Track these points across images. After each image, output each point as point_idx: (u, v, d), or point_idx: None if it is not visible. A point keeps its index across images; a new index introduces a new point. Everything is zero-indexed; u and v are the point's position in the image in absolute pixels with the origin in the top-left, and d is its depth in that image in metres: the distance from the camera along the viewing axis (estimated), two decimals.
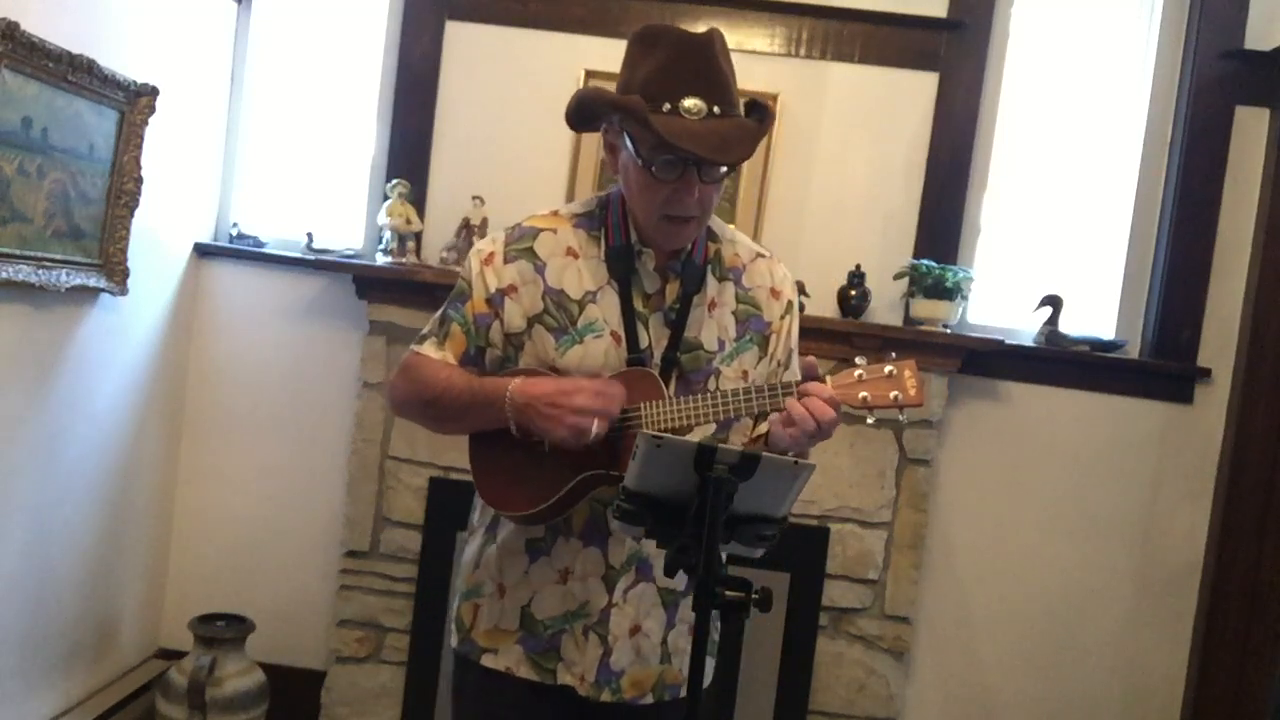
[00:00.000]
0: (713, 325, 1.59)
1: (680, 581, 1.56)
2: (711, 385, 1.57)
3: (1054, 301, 3.03)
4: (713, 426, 1.58)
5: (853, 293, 2.97)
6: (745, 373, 1.60)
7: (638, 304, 1.57)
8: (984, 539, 3.12)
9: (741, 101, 1.50)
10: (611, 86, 1.55)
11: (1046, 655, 3.13)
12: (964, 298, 2.99)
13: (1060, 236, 3.15)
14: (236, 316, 3.18)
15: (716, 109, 1.44)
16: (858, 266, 2.99)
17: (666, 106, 1.43)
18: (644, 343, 1.55)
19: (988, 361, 3.01)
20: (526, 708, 1.61)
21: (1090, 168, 3.14)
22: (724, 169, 1.49)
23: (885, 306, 3.06)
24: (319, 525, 3.17)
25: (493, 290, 1.57)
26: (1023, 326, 3.11)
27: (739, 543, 1.34)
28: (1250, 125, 3.01)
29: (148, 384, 2.96)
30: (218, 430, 3.20)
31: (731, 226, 1.73)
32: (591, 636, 1.58)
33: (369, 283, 3.00)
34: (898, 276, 3.00)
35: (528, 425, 1.48)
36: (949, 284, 2.91)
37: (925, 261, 2.94)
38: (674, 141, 1.40)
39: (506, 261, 1.58)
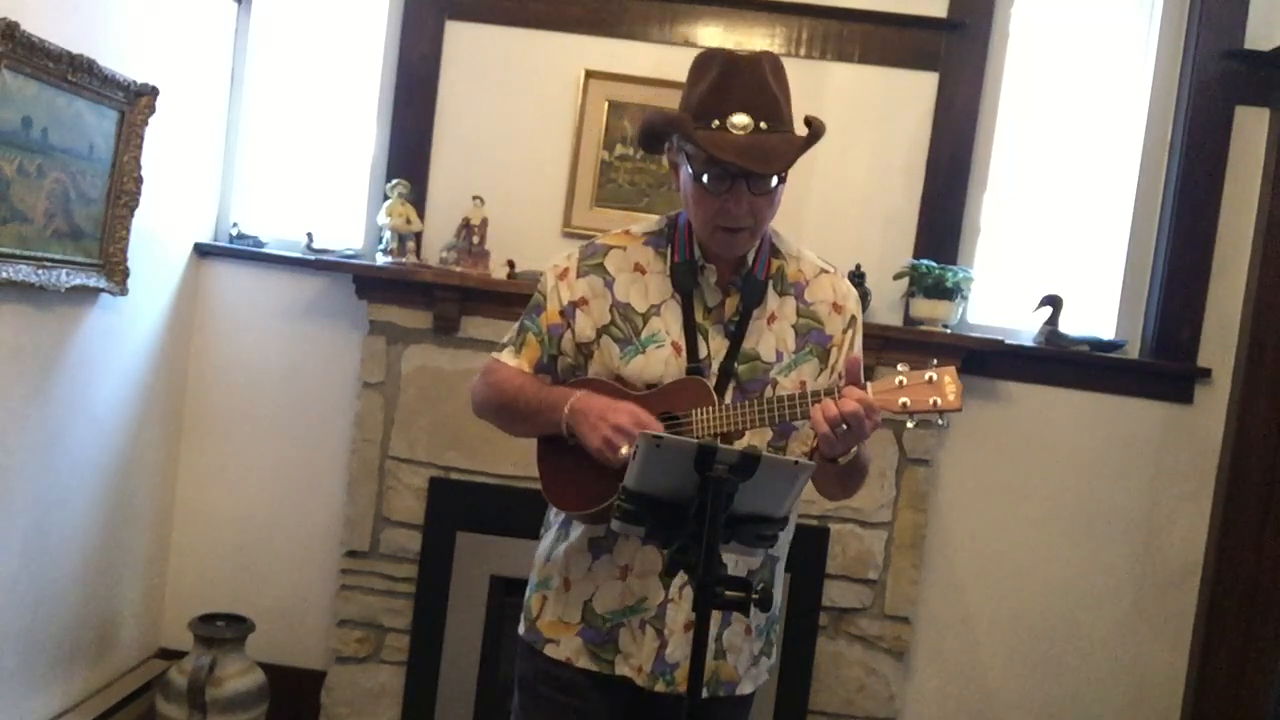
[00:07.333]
0: (771, 337, 1.64)
1: None
2: (767, 394, 1.60)
3: (1054, 301, 3.03)
4: (769, 434, 1.62)
5: None
6: (803, 383, 1.64)
7: (699, 316, 1.64)
8: (984, 539, 3.12)
9: (799, 118, 1.58)
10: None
11: (1046, 655, 3.13)
12: (964, 298, 2.99)
13: (1060, 236, 3.15)
14: (236, 316, 3.18)
15: (764, 124, 1.52)
16: (858, 266, 2.99)
17: (715, 123, 1.51)
18: (703, 353, 1.62)
19: (988, 361, 3.02)
20: (585, 696, 1.67)
21: (1090, 168, 3.14)
22: (774, 181, 1.55)
23: (885, 306, 3.06)
24: (319, 525, 3.18)
25: (565, 303, 1.67)
26: (1023, 326, 3.11)
27: (739, 543, 1.35)
28: (1250, 125, 3.02)
29: (148, 384, 2.96)
30: (218, 430, 3.20)
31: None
32: (648, 630, 1.63)
33: (369, 283, 3.00)
34: (898, 276, 3.00)
35: (575, 432, 1.58)
36: (949, 284, 2.91)
37: (925, 261, 2.94)
38: (715, 154, 1.48)
39: (579, 276, 1.68)
